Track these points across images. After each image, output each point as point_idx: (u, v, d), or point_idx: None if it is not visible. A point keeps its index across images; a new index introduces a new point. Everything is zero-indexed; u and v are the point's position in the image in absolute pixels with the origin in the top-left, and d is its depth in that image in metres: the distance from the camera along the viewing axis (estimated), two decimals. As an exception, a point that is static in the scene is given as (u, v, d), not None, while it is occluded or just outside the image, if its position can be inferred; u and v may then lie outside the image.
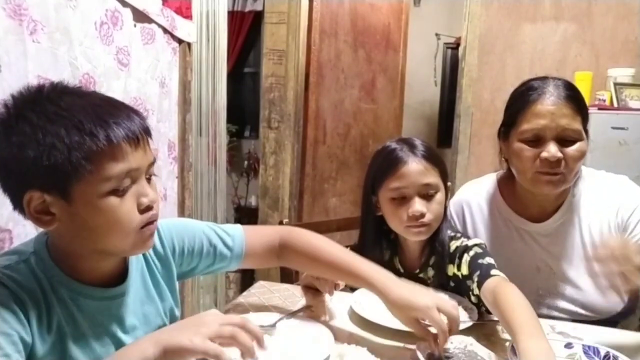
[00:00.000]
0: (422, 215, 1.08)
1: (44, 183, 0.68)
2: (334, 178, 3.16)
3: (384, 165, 1.12)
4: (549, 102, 1.09)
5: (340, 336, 0.98)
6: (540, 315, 1.13)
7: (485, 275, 1.04)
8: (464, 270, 1.11)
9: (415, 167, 1.08)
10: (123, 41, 1.66)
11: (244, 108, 4.35)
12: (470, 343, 0.95)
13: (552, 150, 1.08)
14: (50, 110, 0.68)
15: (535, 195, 1.19)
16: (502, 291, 0.95)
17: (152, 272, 0.91)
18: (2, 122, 0.69)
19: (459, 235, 1.18)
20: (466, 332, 0.99)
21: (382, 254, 1.19)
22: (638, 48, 2.41)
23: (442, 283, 1.17)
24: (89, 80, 1.50)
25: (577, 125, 1.09)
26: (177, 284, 0.98)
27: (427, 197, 1.09)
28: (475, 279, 1.06)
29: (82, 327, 0.78)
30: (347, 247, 1.20)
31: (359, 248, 1.19)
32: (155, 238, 0.89)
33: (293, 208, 2.92)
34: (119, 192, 0.71)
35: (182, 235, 0.97)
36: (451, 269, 1.15)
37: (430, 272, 1.17)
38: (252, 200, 4.13)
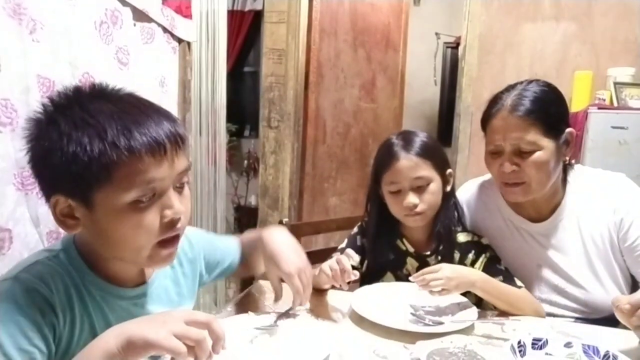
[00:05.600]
0: (415, 206, 1.18)
1: (68, 189, 0.69)
2: (334, 177, 3.16)
3: (383, 159, 1.22)
4: (501, 117, 1.12)
5: (340, 336, 0.98)
6: (541, 314, 1.15)
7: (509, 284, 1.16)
8: (478, 270, 1.19)
9: (405, 164, 1.18)
10: (123, 40, 1.66)
11: (243, 107, 4.35)
12: (470, 343, 0.95)
13: (505, 165, 1.12)
14: (78, 116, 0.68)
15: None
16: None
17: (176, 274, 0.94)
18: (37, 125, 0.71)
19: (459, 228, 1.26)
20: (466, 332, 0.99)
21: (388, 235, 1.29)
22: (638, 48, 2.41)
23: None
24: (88, 80, 1.50)
25: (530, 137, 1.09)
26: (197, 288, 1.02)
27: (420, 189, 1.19)
28: None
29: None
30: (361, 222, 1.33)
31: (365, 229, 1.31)
32: (186, 242, 0.93)
33: (293, 207, 2.92)
34: (141, 204, 0.70)
35: (208, 247, 1.04)
36: (459, 261, 1.22)
37: (438, 259, 1.23)
38: (252, 200, 4.13)
